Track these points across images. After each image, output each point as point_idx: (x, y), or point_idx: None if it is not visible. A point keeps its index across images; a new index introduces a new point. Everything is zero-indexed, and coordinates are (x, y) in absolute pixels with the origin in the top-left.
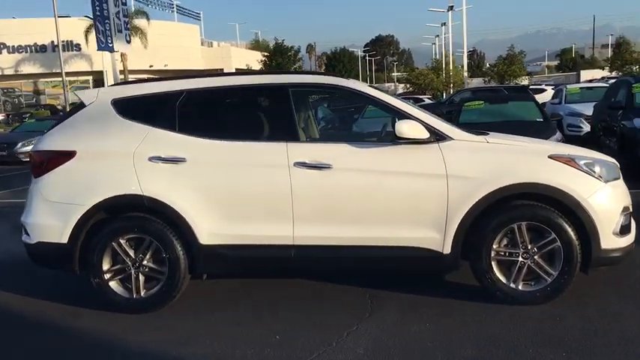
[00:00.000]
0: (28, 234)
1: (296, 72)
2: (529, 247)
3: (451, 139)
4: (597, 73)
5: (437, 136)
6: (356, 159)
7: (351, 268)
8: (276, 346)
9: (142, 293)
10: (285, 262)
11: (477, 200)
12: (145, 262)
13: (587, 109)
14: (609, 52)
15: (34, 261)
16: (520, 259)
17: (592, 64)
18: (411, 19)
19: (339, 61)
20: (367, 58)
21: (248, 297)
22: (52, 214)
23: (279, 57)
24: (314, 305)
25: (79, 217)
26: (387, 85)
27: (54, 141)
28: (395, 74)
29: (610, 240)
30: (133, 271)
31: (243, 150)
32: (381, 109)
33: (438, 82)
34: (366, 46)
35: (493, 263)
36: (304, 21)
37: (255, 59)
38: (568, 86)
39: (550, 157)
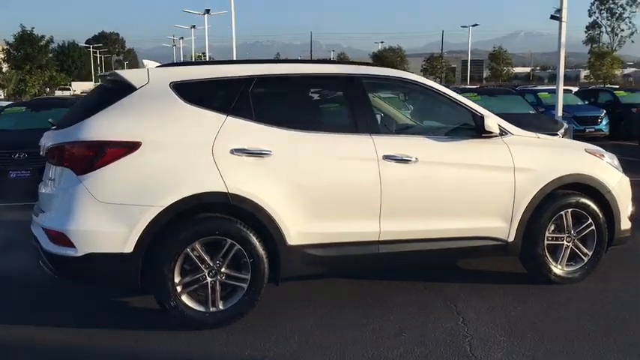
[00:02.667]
0: (64, 244)
1: (359, 63)
2: (572, 232)
3: (511, 134)
4: None
5: (502, 131)
6: (438, 152)
7: (429, 262)
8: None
9: (220, 305)
10: (372, 259)
11: (537, 190)
12: (223, 269)
13: None
14: None
15: (78, 277)
16: (565, 243)
17: None
18: (136, 18)
19: (67, 56)
20: (98, 55)
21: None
22: (111, 219)
23: (27, 46)
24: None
25: (148, 220)
26: None
27: (109, 129)
28: None
29: (625, 222)
30: (209, 281)
31: (330, 142)
32: (449, 106)
33: None
34: (87, 42)
35: (546, 248)
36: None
37: None
38: None
39: (586, 150)
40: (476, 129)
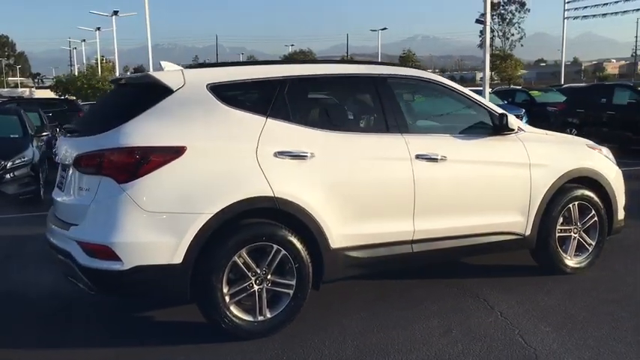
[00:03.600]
0: (108, 258)
1: (384, 63)
2: (578, 224)
3: (524, 131)
4: None
5: (518, 128)
6: (464, 150)
7: (457, 258)
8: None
9: (268, 313)
10: (407, 259)
11: (550, 185)
12: (269, 276)
13: None
14: None
15: (122, 291)
16: (572, 234)
17: None
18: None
19: None
20: None
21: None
22: (158, 229)
23: None
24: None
25: (197, 228)
26: (5, 90)
27: (152, 134)
28: (17, 79)
29: (621, 213)
30: (256, 289)
31: (366, 142)
32: (467, 106)
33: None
34: None
35: (557, 240)
36: None
37: None
38: None
39: (587, 145)
40: (494, 127)
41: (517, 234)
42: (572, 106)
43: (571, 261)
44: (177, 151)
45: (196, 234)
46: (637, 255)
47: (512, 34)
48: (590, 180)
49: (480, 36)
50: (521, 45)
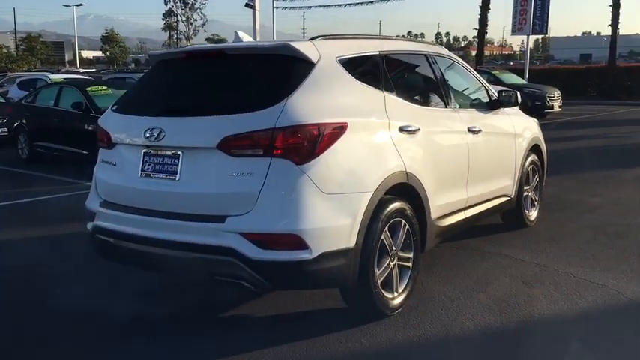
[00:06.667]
0: (295, 248)
1: (428, 43)
2: (531, 184)
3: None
4: None
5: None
6: (487, 123)
7: (477, 223)
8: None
9: (400, 288)
10: (461, 226)
11: (525, 152)
12: (398, 252)
13: None
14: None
15: (304, 284)
16: (529, 194)
17: None
18: None
19: None
20: None
21: None
22: (336, 211)
23: None
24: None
25: (364, 208)
26: None
27: (320, 110)
28: None
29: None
30: (392, 265)
31: (442, 116)
32: (475, 83)
33: None
34: None
35: (523, 199)
36: None
37: None
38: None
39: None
40: (491, 103)
41: (508, 196)
42: None
43: (530, 215)
44: (341, 128)
45: (364, 213)
46: (557, 206)
47: (196, 20)
48: (535, 147)
49: (163, 19)
50: (204, 31)
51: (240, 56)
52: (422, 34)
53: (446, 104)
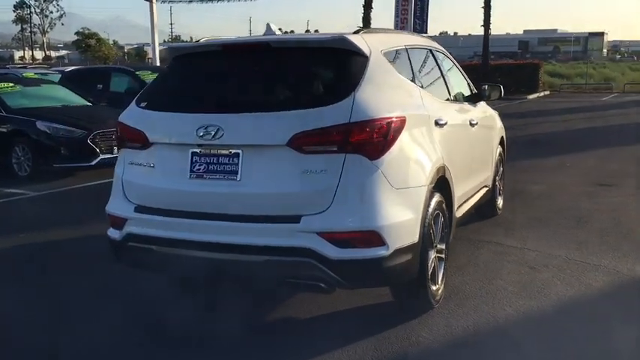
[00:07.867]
0: (373, 245)
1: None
2: (499, 173)
3: (483, 101)
4: None
5: None
6: (477, 116)
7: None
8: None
9: (439, 281)
10: (467, 216)
11: (498, 143)
12: (437, 245)
13: None
14: None
15: (380, 281)
16: (497, 182)
17: None
18: None
19: None
20: None
21: None
22: (405, 206)
23: None
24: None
25: (422, 202)
26: None
27: (387, 105)
28: None
29: None
30: (435, 257)
31: (457, 110)
32: (461, 77)
33: None
34: None
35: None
36: None
37: None
38: None
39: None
40: (473, 96)
41: (488, 186)
42: None
43: (499, 204)
44: (402, 122)
45: (423, 207)
46: (506, 194)
47: (52, 12)
48: (501, 138)
49: (14, 11)
50: (62, 24)
51: (292, 49)
52: (292, 31)
53: (449, 98)
